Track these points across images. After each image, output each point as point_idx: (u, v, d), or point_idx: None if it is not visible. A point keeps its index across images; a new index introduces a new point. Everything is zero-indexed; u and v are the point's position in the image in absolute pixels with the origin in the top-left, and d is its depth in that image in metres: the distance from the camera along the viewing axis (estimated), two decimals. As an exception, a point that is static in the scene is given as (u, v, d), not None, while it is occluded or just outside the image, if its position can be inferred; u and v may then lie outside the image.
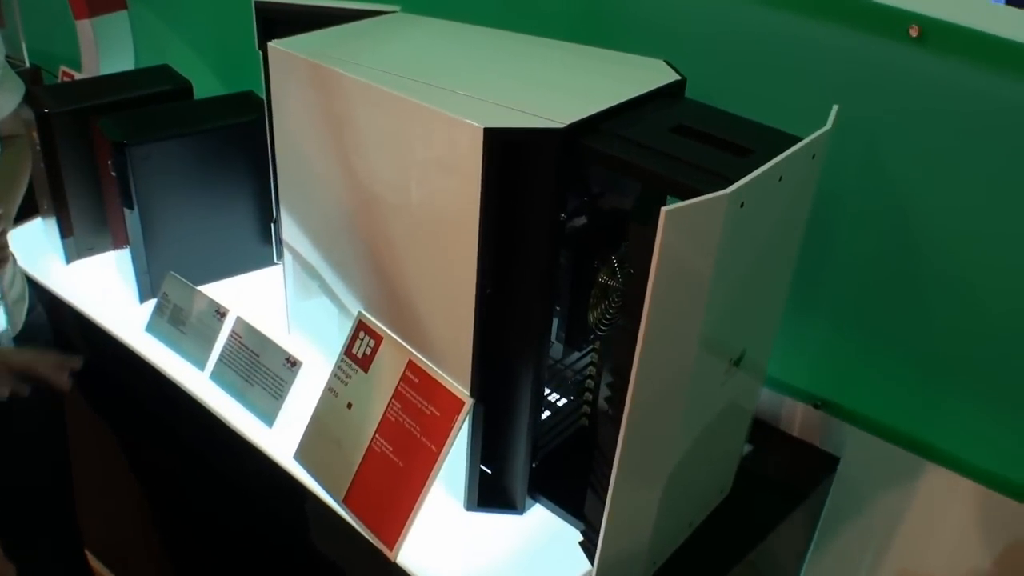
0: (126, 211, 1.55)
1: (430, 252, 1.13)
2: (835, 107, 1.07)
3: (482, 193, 1.01)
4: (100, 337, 1.61)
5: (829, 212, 1.27)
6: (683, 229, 0.86)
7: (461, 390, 1.16)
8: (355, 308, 1.33)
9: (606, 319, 1.20)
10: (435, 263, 1.13)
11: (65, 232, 1.72)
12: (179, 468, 1.72)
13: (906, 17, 1.16)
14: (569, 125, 0.99)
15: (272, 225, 1.67)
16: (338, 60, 1.18)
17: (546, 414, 1.30)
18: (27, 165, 1.58)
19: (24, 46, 2.03)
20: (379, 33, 1.32)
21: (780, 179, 0.97)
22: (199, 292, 1.51)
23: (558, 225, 1.05)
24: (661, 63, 1.21)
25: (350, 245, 1.29)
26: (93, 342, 1.65)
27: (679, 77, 1.16)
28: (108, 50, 2.04)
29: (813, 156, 1.04)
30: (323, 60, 1.18)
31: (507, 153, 1.00)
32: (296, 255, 1.44)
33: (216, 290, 1.64)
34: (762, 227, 1.00)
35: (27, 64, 2.06)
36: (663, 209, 0.83)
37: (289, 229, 1.42)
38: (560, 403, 1.37)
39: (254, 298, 1.64)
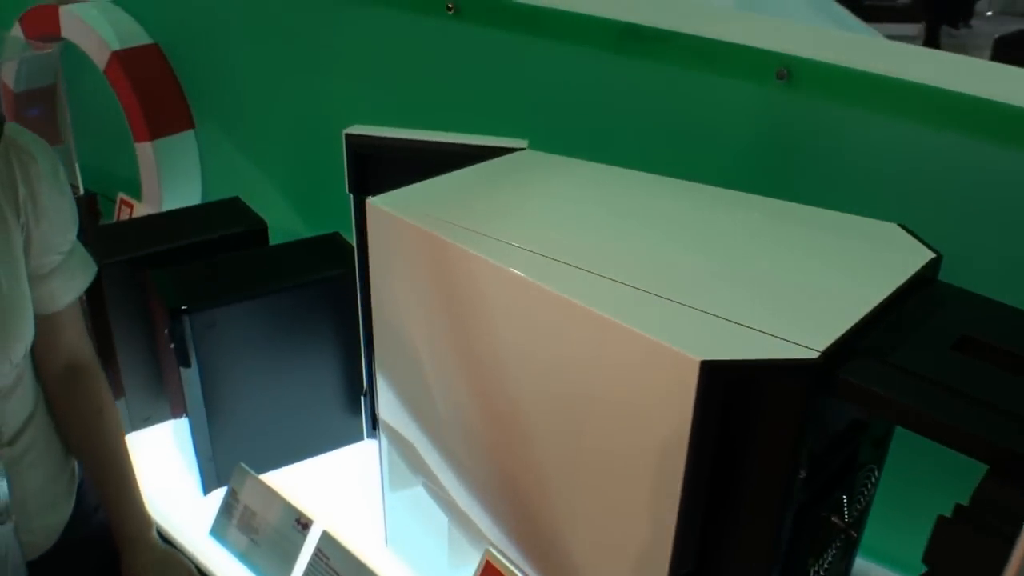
0: (187, 388, 1.27)
1: (598, 503, 0.82)
2: None
3: (690, 446, 0.71)
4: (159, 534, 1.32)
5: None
6: None
7: None
8: (475, 532, 1.02)
9: (828, 562, 0.89)
10: (606, 520, 0.82)
11: (116, 393, 1.45)
12: None
13: None
14: (825, 353, 0.68)
15: (363, 397, 1.38)
16: (466, 232, 0.89)
17: None
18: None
19: (78, 168, 1.79)
20: (509, 185, 1.04)
21: None
22: (275, 493, 1.22)
23: (793, 485, 0.73)
24: (895, 228, 0.91)
25: (472, 459, 0.99)
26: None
27: (933, 254, 0.85)
28: (171, 175, 1.78)
29: None
30: (446, 233, 0.90)
31: (733, 393, 0.69)
32: (398, 453, 1.14)
33: (295, 476, 1.36)
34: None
35: (82, 191, 1.82)
36: None
37: (390, 421, 1.12)
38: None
39: (341, 487, 1.34)
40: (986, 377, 0.70)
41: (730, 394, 0.70)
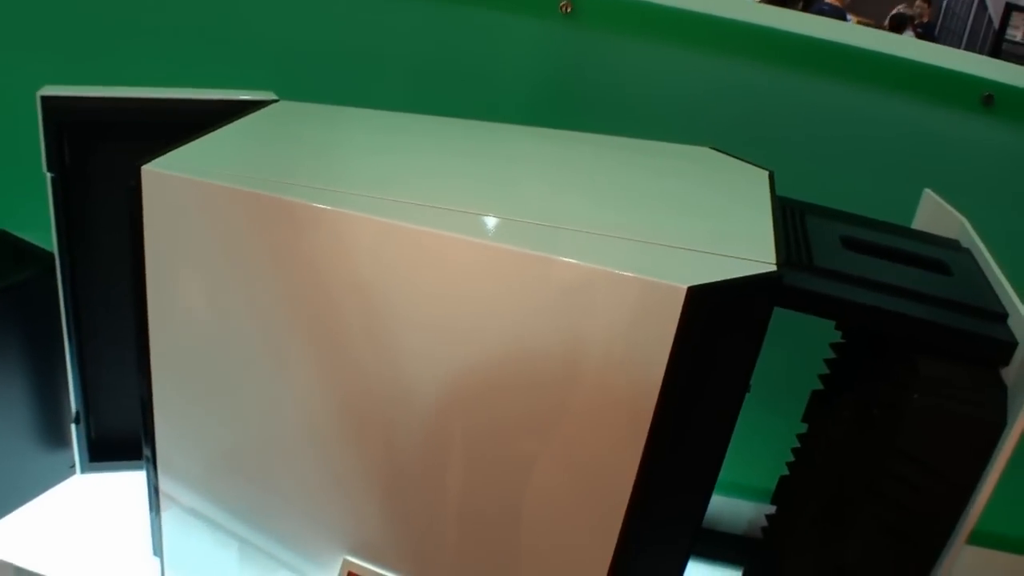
0: None
1: (524, 469, 0.75)
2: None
3: (665, 380, 0.67)
4: None
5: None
6: None
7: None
8: (319, 548, 0.89)
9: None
10: (538, 483, 0.75)
11: None
12: None
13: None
14: (779, 265, 0.68)
15: (74, 424, 1.12)
16: (309, 190, 0.76)
17: None
18: None
19: None
20: (301, 137, 0.90)
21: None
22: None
23: (741, 403, 0.73)
24: (710, 151, 0.94)
25: (322, 462, 0.85)
26: None
27: (765, 170, 0.89)
28: None
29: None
30: (282, 191, 0.75)
31: (714, 319, 0.67)
32: (182, 482, 0.94)
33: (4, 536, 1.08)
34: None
35: None
36: None
37: (174, 444, 0.92)
38: None
39: (71, 538, 1.09)
40: (892, 271, 0.76)
41: (714, 323, 0.67)
